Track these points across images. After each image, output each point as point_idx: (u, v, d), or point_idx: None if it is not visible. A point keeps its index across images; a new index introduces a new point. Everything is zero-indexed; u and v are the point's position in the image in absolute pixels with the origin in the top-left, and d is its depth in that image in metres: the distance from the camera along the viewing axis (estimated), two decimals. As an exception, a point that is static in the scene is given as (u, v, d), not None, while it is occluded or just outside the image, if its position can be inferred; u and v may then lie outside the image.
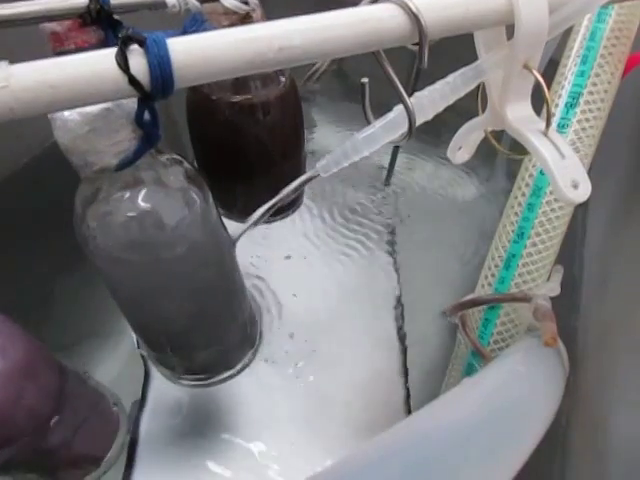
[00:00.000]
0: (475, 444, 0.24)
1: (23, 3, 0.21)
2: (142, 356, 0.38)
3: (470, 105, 0.25)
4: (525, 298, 0.32)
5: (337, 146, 0.22)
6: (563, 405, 0.29)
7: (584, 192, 0.21)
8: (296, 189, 0.26)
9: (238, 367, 0.38)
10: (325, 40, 0.17)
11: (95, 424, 0.31)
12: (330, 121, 0.58)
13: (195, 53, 0.16)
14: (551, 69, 0.35)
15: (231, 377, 0.38)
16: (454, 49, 0.28)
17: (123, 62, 0.15)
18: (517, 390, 0.28)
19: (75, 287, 0.42)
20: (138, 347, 0.39)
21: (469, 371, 0.36)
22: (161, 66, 0.15)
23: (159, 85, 0.15)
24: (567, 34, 0.34)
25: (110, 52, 0.15)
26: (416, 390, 0.38)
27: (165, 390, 0.37)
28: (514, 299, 0.33)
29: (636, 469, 0.25)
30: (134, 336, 0.39)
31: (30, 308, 0.40)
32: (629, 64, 0.34)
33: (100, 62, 0.15)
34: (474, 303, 0.35)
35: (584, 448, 0.32)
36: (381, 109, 0.23)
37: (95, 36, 0.22)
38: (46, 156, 0.50)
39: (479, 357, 0.35)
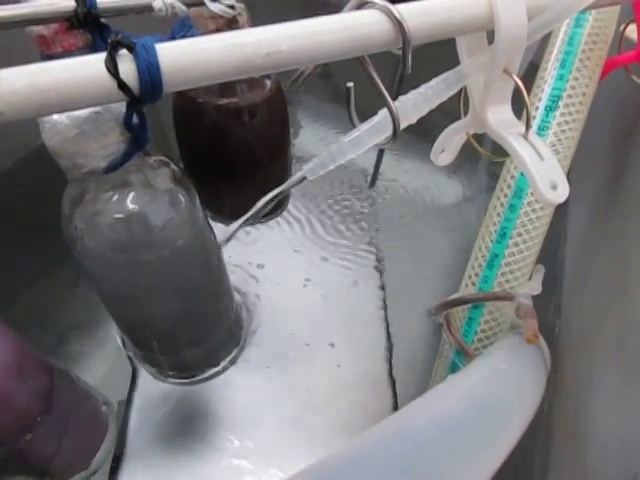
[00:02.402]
0: (458, 440, 0.24)
1: (9, 6, 0.21)
2: (128, 356, 0.38)
3: (454, 107, 0.26)
4: (508, 297, 0.33)
5: (322, 148, 0.23)
6: (544, 401, 0.30)
7: (562, 193, 0.21)
8: (283, 192, 0.26)
9: (223, 365, 0.38)
10: (311, 46, 0.17)
11: (84, 424, 0.31)
12: (315, 123, 0.58)
13: (184, 58, 0.16)
14: (532, 73, 0.35)
15: (217, 375, 0.38)
16: (437, 54, 0.28)
17: (112, 67, 0.15)
18: (499, 387, 0.29)
19: (60, 288, 0.42)
20: (124, 347, 0.39)
21: (454, 369, 0.36)
22: (150, 71, 0.15)
23: (148, 90, 0.16)
24: (546, 38, 0.35)
25: (99, 57, 0.15)
26: (402, 390, 0.38)
27: (152, 388, 0.37)
28: (497, 298, 0.34)
29: (615, 461, 0.26)
30: (119, 337, 0.39)
31: (15, 310, 0.40)
32: (606, 67, 0.34)
33: (90, 67, 0.15)
34: (458, 302, 0.36)
35: (565, 442, 0.33)
36: (367, 112, 0.23)
37: (82, 39, 0.22)
38: (32, 157, 0.49)
39: (463, 355, 0.35)
